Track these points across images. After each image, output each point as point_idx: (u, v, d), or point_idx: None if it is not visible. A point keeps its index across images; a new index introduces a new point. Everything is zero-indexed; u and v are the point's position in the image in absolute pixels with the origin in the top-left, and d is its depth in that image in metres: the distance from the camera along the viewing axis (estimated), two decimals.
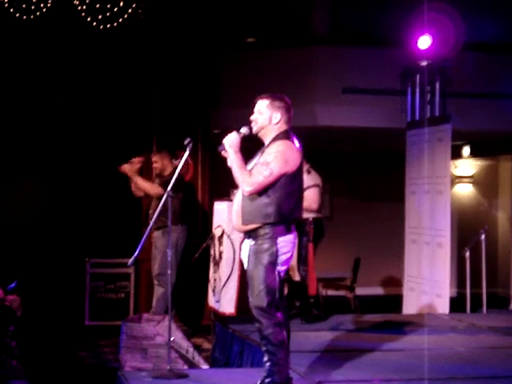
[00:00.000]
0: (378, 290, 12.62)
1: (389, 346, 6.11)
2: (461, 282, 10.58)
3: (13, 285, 6.60)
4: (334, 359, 5.59)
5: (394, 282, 11.80)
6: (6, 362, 5.56)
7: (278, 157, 4.55)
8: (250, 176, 4.55)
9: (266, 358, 4.59)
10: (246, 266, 4.74)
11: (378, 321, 7.39)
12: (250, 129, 4.73)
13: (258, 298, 4.55)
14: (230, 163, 4.64)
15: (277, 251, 4.56)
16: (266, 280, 4.54)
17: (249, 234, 4.65)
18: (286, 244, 4.61)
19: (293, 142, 4.70)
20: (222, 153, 4.69)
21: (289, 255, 4.65)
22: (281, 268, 4.62)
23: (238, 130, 4.70)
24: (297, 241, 4.84)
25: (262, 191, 4.56)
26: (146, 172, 8.92)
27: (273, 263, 4.56)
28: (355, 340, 6.37)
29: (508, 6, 9.97)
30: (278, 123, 4.70)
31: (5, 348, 5.84)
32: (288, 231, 4.62)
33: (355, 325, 7.03)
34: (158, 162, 8.20)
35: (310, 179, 6.99)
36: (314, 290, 6.99)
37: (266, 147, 4.69)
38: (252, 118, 4.75)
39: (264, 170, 4.53)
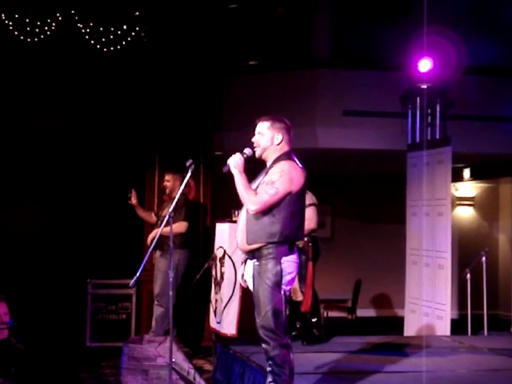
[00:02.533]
0: (379, 312, 12.60)
1: (390, 367, 6.10)
2: (462, 303, 10.57)
3: (11, 323, 6.63)
4: (335, 381, 5.58)
5: (396, 304, 11.80)
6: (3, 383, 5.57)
7: (284, 176, 4.61)
8: (255, 195, 4.59)
9: (270, 379, 4.59)
10: (251, 287, 4.75)
11: (379, 342, 7.38)
12: (253, 151, 4.78)
13: (265, 318, 4.56)
14: (235, 183, 4.66)
15: (281, 271, 4.58)
16: (272, 300, 4.55)
17: (252, 254, 4.67)
18: (290, 264, 4.63)
19: (296, 163, 4.75)
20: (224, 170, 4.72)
21: (293, 275, 4.67)
22: (286, 288, 4.64)
23: (241, 151, 4.75)
24: (299, 260, 4.83)
25: (267, 210, 4.60)
26: (149, 192, 8.98)
27: (278, 283, 4.57)
28: (356, 362, 6.36)
29: (508, 30, 10.05)
30: (279, 144, 4.76)
31: (3, 372, 5.85)
32: (291, 251, 4.65)
33: (356, 346, 7.02)
34: (170, 182, 8.27)
35: (306, 199, 6.99)
36: (306, 307, 6.99)
37: (269, 167, 4.74)
38: (253, 140, 4.81)
39: (269, 189, 4.57)
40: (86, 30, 8.65)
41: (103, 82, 9.31)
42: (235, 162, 4.67)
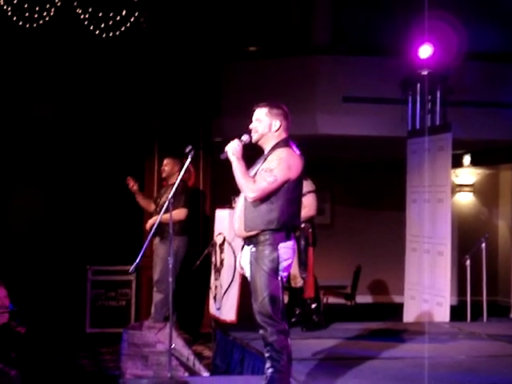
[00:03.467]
0: (379, 298, 12.62)
1: (389, 354, 6.11)
2: (461, 290, 10.58)
3: (12, 307, 6.64)
4: (334, 367, 5.60)
5: (395, 290, 11.80)
6: (5, 371, 5.58)
7: (282, 163, 4.59)
8: (253, 183, 4.58)
9: (268, 365, 4.59)
10: (247, 273, 4.75)
11: (379, 329, 7.39)
12: (251, 137, 4.77)
13: (262, 304, 4.56)
14: (233, 170, 4.65)
15: (278, 257, 4.58)
16: (269, 286, 4.56)
17: (249, 241, 4.68)
18: (287, 250, 4.64)
19: (294, 150, 4.74)
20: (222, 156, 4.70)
21: (289, 261, 4.68)
22: (283, 274, 4.64)
23: (239, 137, 4.73)
24: (296, 247, 4.85)
25: (265, 198, 4.59)
26: (148, 178, 8.97)
27: (275, 269, 4.58)
28: (355, 348, 6.37)
29: (509, 15, 10.01)
30: (277, 130, 4.74)
31: (4, 357, 5.86)
32: (288, 238, 4.65)
33: (355, 333, 7.04)
34: (168, 166, 8.26)
35: (305, 186, 6.99)
36: (310, 293, 7.01)
37: (267, 154, 4.72)
38: (251, 126, 4.78)
39: (268, 177, 4.57)
40: (84, 16, 8.61)
41: (102, 67, 9.29)
42: (233, 149, 4.65)
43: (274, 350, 4.55)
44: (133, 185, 8.21)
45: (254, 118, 4.80)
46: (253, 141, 4.76)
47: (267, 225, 4.59)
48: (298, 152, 4.76)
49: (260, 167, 4.68)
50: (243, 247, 4.81)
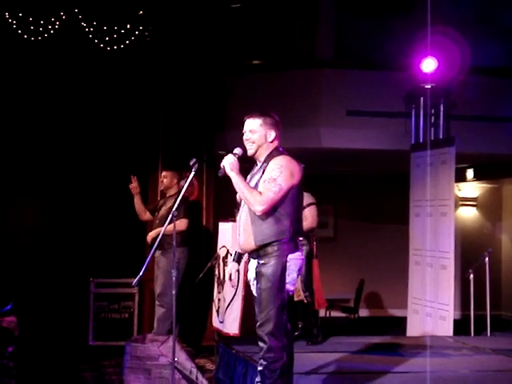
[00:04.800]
0: (382, 312, 12.60)
1: (393, 368, 6.09)
2: (465, 304, 10.56)
3: (9, 307, 6.63)
4: (338, 381, 5.58)
5: (398, 304, 11.78)
6: (5, 382, 5.57)
7: (284, 171, 4.54)
8: (259, 195, 4.50)
9: (258, 378, 4.55)
10: (252, 286, 4.69)
11: (382, 343, 7.37)
12: (243, 149, 4.70)
13: (266, 318, 4.49)
14: (234, 185, 4.57)
15: (286, 269, 4.51)
16: (275, 301, 4.49)
17: (257, 253, 4.59)
18: (296, 261, 4.57)
19: (290, 156, 4.69)
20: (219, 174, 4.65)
21: (297, 273, 4.60)
22: (289, 287, 4.57)
23: (231, 152, 4.66)
24: (303, 257, 4.75)
25: (272, 208, 4.52)
26: (152, 192, 8.97)
27: (282, 282, 4.51)
28: (359, 362, 6.35)
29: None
30: (272, 141, 4.70)
31: (3, 368, 5.85)
32: (296, 248, 4.59)
33: (359, 347, 7.02)
34: (167, 179, 8.24)
35: (306, 198, 7.00)
36: (320, 304, 7.00)
37: (264, 165, 4.64)
38: (245, 138, 4.71)
39: (273, 187, 4.50)
40: (89, 29, 8.66)
41: (106, 80, 9.32)
42: (230, 164, 4.57)
43: (268, 368, 4.48)
44: (136, 185, 8.17)
45: (246, 129, 4.72)
46: (249, 154, 4.70)
47: (279, 235, 4.52)
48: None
49: (260, 178, 4.60)
50: (249, 261, 4.74)
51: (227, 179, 4.68)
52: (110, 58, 8.94)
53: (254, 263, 4.65)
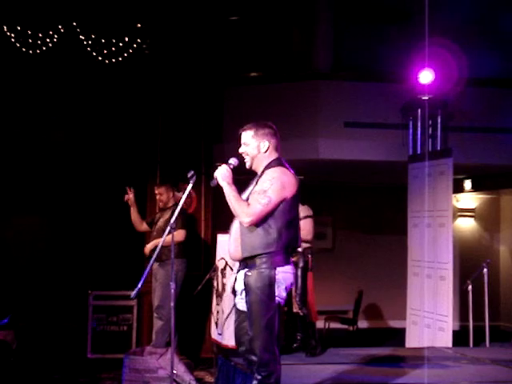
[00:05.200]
0: (381, 323, 12.58)
1: (392, 379, 6.08)
2: (463, 315, 10.56)
3: (6, 320, 6.63)
4: None
5: (397, 315, 11.78)
6: None
7: (275, 183, 4.48)
8: (247, 206, 4.46)
9: None
10: (239, 296, 4.60)
11: (381, 354, 7.36)
12: (240, 160, 4.66)
13: (257, 331, 4.43)
14: (225, 196, 4.54)
15: (275, 282, 4.44)
16: (266, 314, 4.43)
17: (245, 264, 4.53)
18: (285, 275, 4.49)
19: (287, 168, 4.63)
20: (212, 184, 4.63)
21: (288, 286, 4.53)
22: (280, 299, 4.50)
23: (227, 162, 4.64)
24: (295, 271, 4.73)
25: (261, 220, 4.46)
26: (150, 204, 8.97)
27: (271, 295, 4.44)
28: (357, 374, 6.34)
29: (510, 42, 10.08)
30: (267, 151, 4.63)
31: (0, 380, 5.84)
32: (286, 262, 4.51)
33: (358, 358, 7.01)
34: (164, 195, 8.25)
35: (303, 210, 7.00)
36: (314, 317, 6.99)
37: (259, 176, 4.61)
38: (240, 151, 4.68)
39: (262, 199, 4.44)
40: (87, 42, 8.68)
41: (105, 93, 9.34)
42: (223, 175, 4.54)
43: (262, 382, 4.43)
44: (131, 197, 8.16)
45: (241, 142, 4.70)
46: (247, 166, 4.67)
47: (265, 248, 4.45)
48: (291, 171, 4.65)
49: (252, 189, 4.56)
50: (238, 271, 4.67)
51: (221, 190, 4.67)
52: (109, 70, 8.96)
53: (241, 274, 4.58)
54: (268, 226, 4.47)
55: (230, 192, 4.50)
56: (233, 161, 4.63)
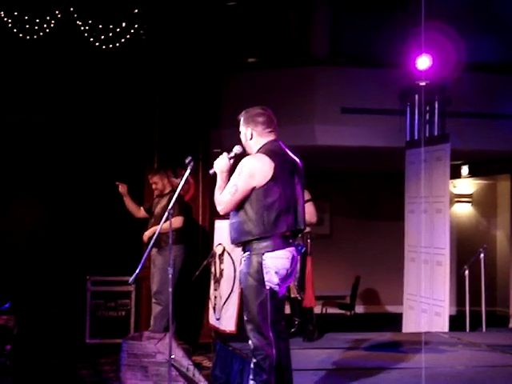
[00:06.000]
0: (378, 308, 12.63)
1: (388, 364, 6.12)
2: (460, 300, 10.61)
3: (7, 305, 6.65)
4: (333, 378, 5.61)
5: (394, 300, 11.83)
6: (1, 380, 5.59)
7: (242, 172, 4.49)
8: (219, 195, 4.58)
9: (251, 376, 4.56)
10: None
11: (378, 339, 7.40)
12: (243, 147, 4.70)
13: (251, 315, 4.51)
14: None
15: (263, 267, 4.46)
16: (256, 299, 4.48)
17: (243, 249, 4.62)
18: (274, 260, 4.47)
19: (271, 153, 4.52)
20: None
21: (281, 272, 4.50)
22: (272, 284, 4.49)
23: (229, 150, 4.67)
24: (292, 256, 4.58)
25: (239, 208, 4.52)
26: (148, 190, 8.97)
27: (261, 280, 4.47)
28: (354, 358, 6.38)
29: (507, 27, 10.07)
30: (251, 138, 4.63)
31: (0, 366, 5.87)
32: (278, 246, 4.49)
33: (355, 343, 7.05)
34: (159, 183, 8.25)
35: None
36: (310, 302, 7.01)
37: None
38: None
39: (230, 188, 4.51)
40: (84, 28, 8.66)
41: (102, 79, 9.32)
42: (219, 164, 4.62)
43: (258, 365, 4.49)
44: (121, 187, 8.18)
45: None
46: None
47: (246, 236, 4.51)
48: (289, 155, 4.59)
49: None
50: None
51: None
52: (106, 56, 8.94)
53: (242, 258, 4.69)
54: (245, 214, 4.51)
55: (218, 181, 4.61)
56: (236, 149, 4.66)
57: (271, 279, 4.50)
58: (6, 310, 6.89)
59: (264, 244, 4.48)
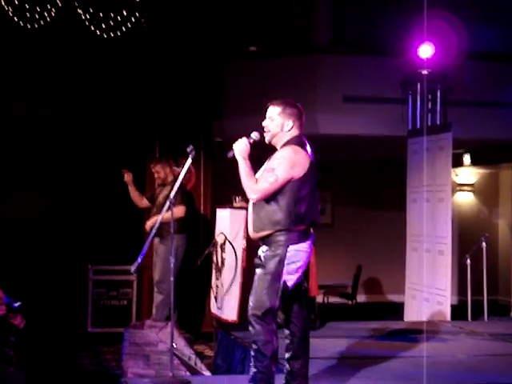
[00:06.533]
0: (380, 297, 12.65)
1: (390, 353, 6.13)
2: (462, 289, 10.60)
3: (16, 305, 6.65)
4: (335, 366, 5.62)
5: (396, 290, 11.84)
6: (4, 369, 5.59)
7: (283, 162, 4.52)
8: (255, 183, 4.52)
9: (252, 363, 4.57)
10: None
11: (379, 328, 7.41)
12: (261, 135, 4.69)
13: (257, 303, 4.52)
14: (239, 171, 4.57)
15: (285, 259, 4.50)
16: (269, 287, 4.50)
17: (263, 242, 4.61)
18: (297, 253, 4.53)
19: (303, 147, 4.64)
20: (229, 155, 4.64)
21: (299, 264, 4.56)
22: (287, 277, 4.54)
23: (248, 135, 4.66)
24: (310, 248, 4.64)
25: (270, 198, 4.52)
26: (150, 179, 8.96)
27: (279, 271, 4.50)
28: (356, 347, 6.39)
29: (509, 16, 10.03)
30: (289, 130, 4.67)
31: (3, 356, 5.87)
32: (301, 239, 4.55)
33: (356, 332, 7.05)
34: (161, 172, 8.24)
35: None
36: (313, 291, 7.02)
37: (274, 153, 4.65)
38: (264, 124, 4.70)
39: (269, 177, 4.49)
40: (85, 16, 8.61)
41: (103, 68, 9.29)
42: (240, 148, 4.58)
43: (258, 351, 4.50)
44: (127, 175, 8.19)
45: (267, 116, 4.70)
46: (266, 141, 4.69)
47: (274, 225, 4.52)
48: (308, 150, 4.67)
49: (265, 167, 4.61)
50: (258, 247, 4.74)
51: (228, 164, 4.66)
52: (107, 45, 8.90)
53: (261, 251, 4.67)
54: (276, 204, 4.53)
55: (243, 167, 4.55)
56: (254, 135, 4.67)
57: (291, 271, 4.55)
58: (15, 309, 6.89)
59: (289, 236, 4.52)
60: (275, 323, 4.58)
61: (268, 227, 4.55)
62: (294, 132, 4.67)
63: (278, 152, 4.61)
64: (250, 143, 4.63)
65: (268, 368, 4.52)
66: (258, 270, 4.60)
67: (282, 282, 4.53)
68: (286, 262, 4.52)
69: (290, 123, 4.66)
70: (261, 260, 4.60)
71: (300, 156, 4.58)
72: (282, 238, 4.52)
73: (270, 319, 4.52)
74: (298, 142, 4.65)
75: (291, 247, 4.52)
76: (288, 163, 4.53)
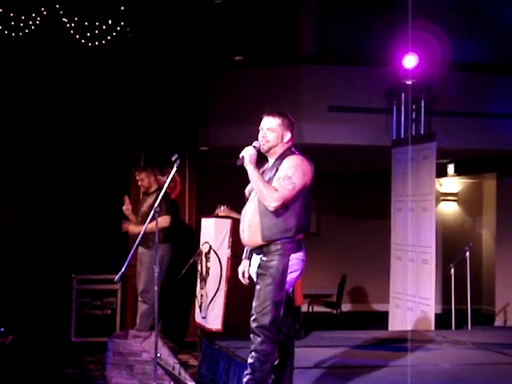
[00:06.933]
0: (364, 307, 12.66)
1: (374, 362, 6.13)
2: (446, 298, 10.65)
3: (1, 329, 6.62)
4: (319, 376, 5.61)
5: (381, 299, 11.86)
6: None
7: (298, 170, 4.62)
8: (275, 191, 4.56)
9: (248, 371, 4.58)
10: (255, 281, 4.71)
11: (364, 337, 7.42)
12: (259, 144, 4.75)
13: (262, 314, 4.54)
14: (250, 178, 4.63)
15: (287, 268, 4.57)
16: (274, 298, 4.54)
17: (260, 250, 4.64)
18: (297, 261, 4.62)
19: (302, 156, 4.77)
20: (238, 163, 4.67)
21: (298, 273, 4.64)
22: (290, 285, 4.63)
23: (250, 144, 4.71)
24: (305, 258, 4.75)
25: (283, 206, 4.60)
26: (134, 188, 8.94)
27: (282, 281, 4.56)
28: (341, 357, 6.39)
29: (493, 26, 10.11)
30: (288, 142, 4.77)
31: None
32: (299, 248, 4.65)
33: (341, 341, 7.06)
34: (145, 180, 8.22)
35: None
36: (298, 301, 7.02)
37: (276, 163, 4.71)
38: (262, 135, 4.75)
39: (288, 185, 4.57)
40: (70, 25, 8.61)
41: (88, 76, 9.28)
42: (250, 156, 4.62)
43: (259, 360, 4.52)
44: (127, 206, 8.16)
45: (264, 127, 4.76)
46: (262, 150, 4.75)
47: (285, 233, 4.58)
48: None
49: (274, 176, 4.65)
50: (251, 256, 4.79)
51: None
52: (92, 53, 8.90)
53: (256, 259, 4.70)
54: (289, 212, 4.61)
55: (257, 175, 4.61)
56: (256, 144, 4.73)
57: (291, 280, 4.62)
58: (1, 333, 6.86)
59: (291, 245, 4.61)
60: (278, 334, 4.61)
61: (278, 235, 4.60)
62: (290, 142, 4.79)
63: (288, 161, 4.68)
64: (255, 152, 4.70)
65: (265, 378, 4.55)
66: (261, 280, 4.61)
67: (285, 291, 4.60)
68: (289, 271, 4.58)
69: (289, 134, 4.77)
70: (262, 269, 4.61)
71: (307, 165, 4.72)
72: (283, 247, 4.58)
73: (275, 330, 4.57)
74: (293, 152, 4.77)
75: (292, 256, 4.60)
76: (301, 171, 4.64)
